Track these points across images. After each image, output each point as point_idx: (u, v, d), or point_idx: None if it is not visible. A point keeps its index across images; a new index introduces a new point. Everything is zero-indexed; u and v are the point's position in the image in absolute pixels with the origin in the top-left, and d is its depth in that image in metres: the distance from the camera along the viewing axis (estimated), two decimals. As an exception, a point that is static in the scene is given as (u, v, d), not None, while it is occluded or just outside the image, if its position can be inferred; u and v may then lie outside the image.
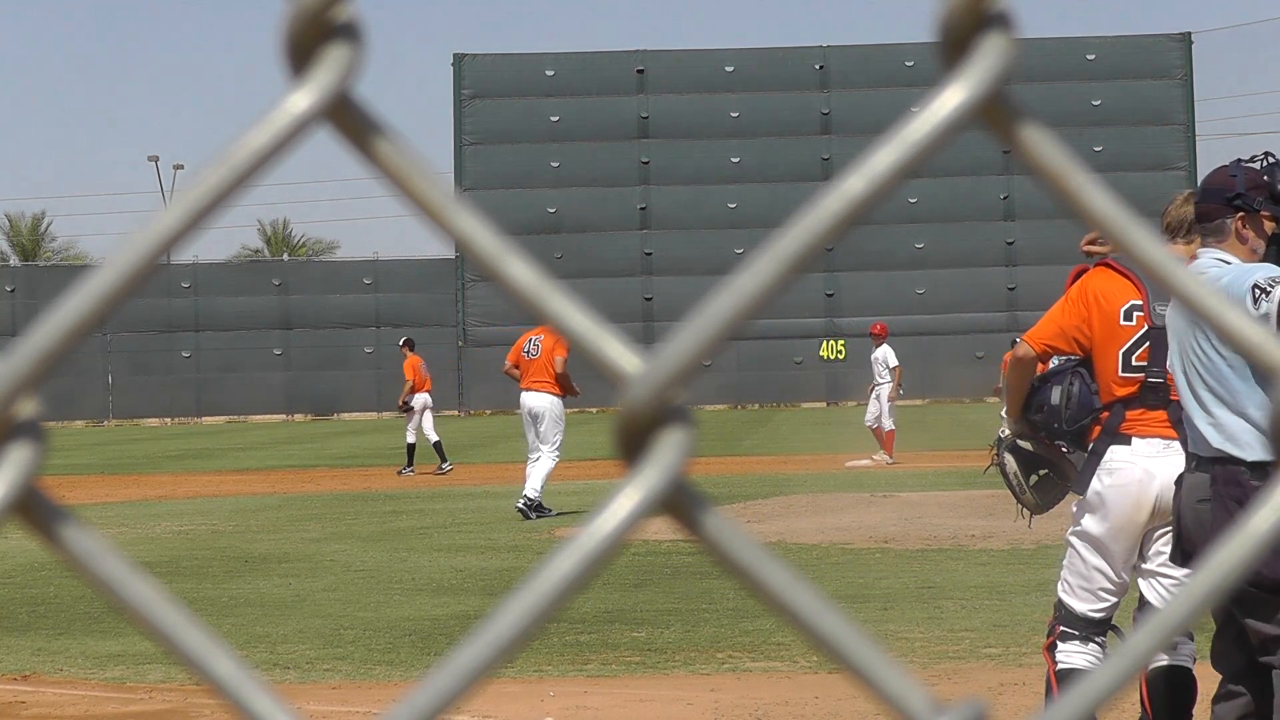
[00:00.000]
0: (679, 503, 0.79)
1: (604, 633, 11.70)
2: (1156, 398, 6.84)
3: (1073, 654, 7.02)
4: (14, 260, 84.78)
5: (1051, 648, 7.12)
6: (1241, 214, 6.15)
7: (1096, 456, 6.92)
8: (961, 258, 65.89)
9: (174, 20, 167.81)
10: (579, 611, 12.29)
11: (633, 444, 0.79)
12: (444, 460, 30.03)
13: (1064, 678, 6.98)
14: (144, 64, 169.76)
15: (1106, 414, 6.94)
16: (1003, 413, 7.42)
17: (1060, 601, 7.11)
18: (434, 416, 30.63)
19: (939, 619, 11.96)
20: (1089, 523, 6.95)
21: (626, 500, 0.79)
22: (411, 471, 30.01)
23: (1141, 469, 6.80)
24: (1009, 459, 7.30)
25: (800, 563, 15.03)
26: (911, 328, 62.35)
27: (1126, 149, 66.92)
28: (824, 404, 63.49)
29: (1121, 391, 6.91)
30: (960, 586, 13.44)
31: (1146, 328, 6.86)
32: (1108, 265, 7.04)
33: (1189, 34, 69.63)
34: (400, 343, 32.31)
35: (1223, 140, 72.81)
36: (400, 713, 0.77)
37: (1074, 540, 7.04)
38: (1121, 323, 6.93)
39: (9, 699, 10.13)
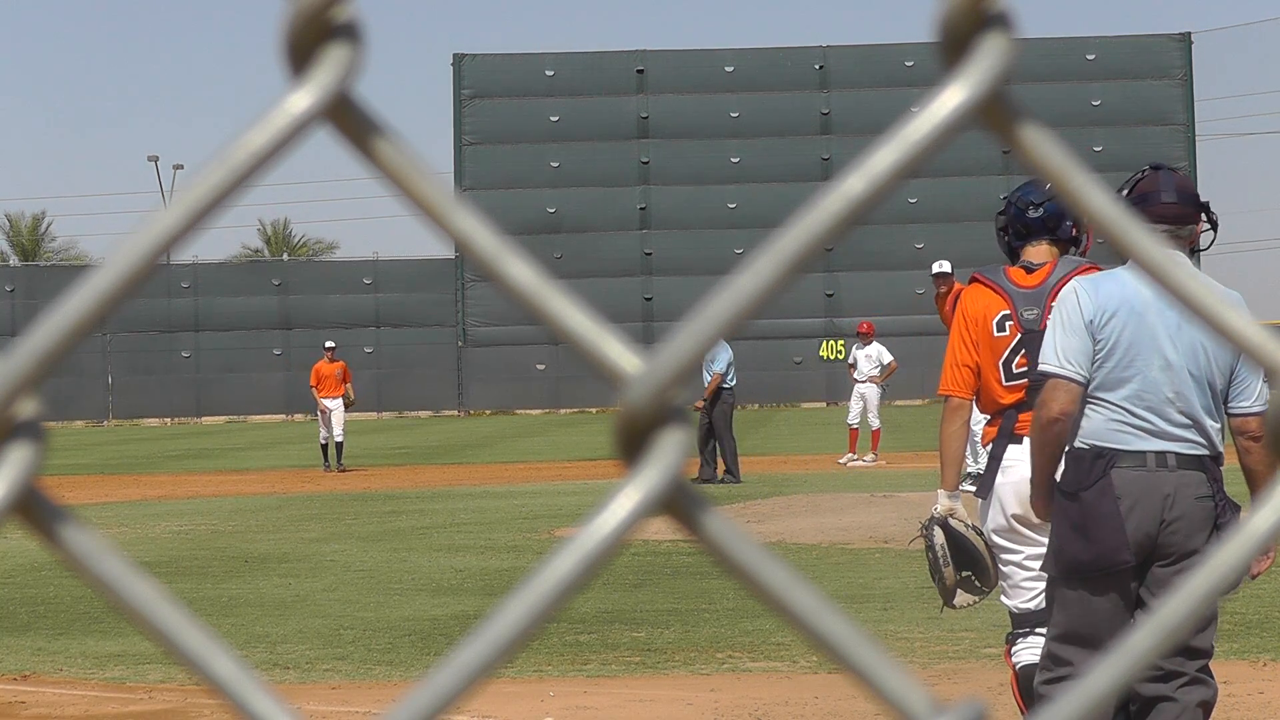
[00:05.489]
0: (679, 503, 0.79)
1: (604, 633, 11.70)
2: None
3: (1022, 651, 7.12)
4: (14, 260, 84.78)
5: (1009, 654, 7.22)
6: (1202, 222, 6.30)
7: (995, 460, 7.05)
8: (961, 258, 65.88)
9: (174, 20, 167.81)
10: (579, 611, 12.29)
11: (632, 444, 0.79)
12: (328, 462, 31.67)
13: (1021, 676, 7.07)
14: (144, 64, 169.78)
15: (1000, 419, 7.06)
16: (940, 490, 7.35)
17: (1005, 606, 7.24)
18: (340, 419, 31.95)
19: (939, 619, 11.95)
20: (992, 520, 7.10)
21: (626, 500, 0.79)
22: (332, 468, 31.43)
23: (1028, 467, 6.92)
24: (938, 533, 7.31)
25: (800, 563, 15.03)
26: (911, 328, 62.38)
27: (1126, 149, 66.86)
28: (824, 404, 63.47)
29: (1009, 399, 7.08)
30: (960, 586, 13.43)
31: (1020, 335, 7.05)
32: (976, 281, 7.27)
33: (1189, 34, 69.65)
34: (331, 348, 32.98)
35: (1223, 140, 72.87)
36: (400, 713, 0.77)
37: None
38: (996, 334, 7.16)
39: (9, 699, 10.13)
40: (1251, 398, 6.05)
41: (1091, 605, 6.10)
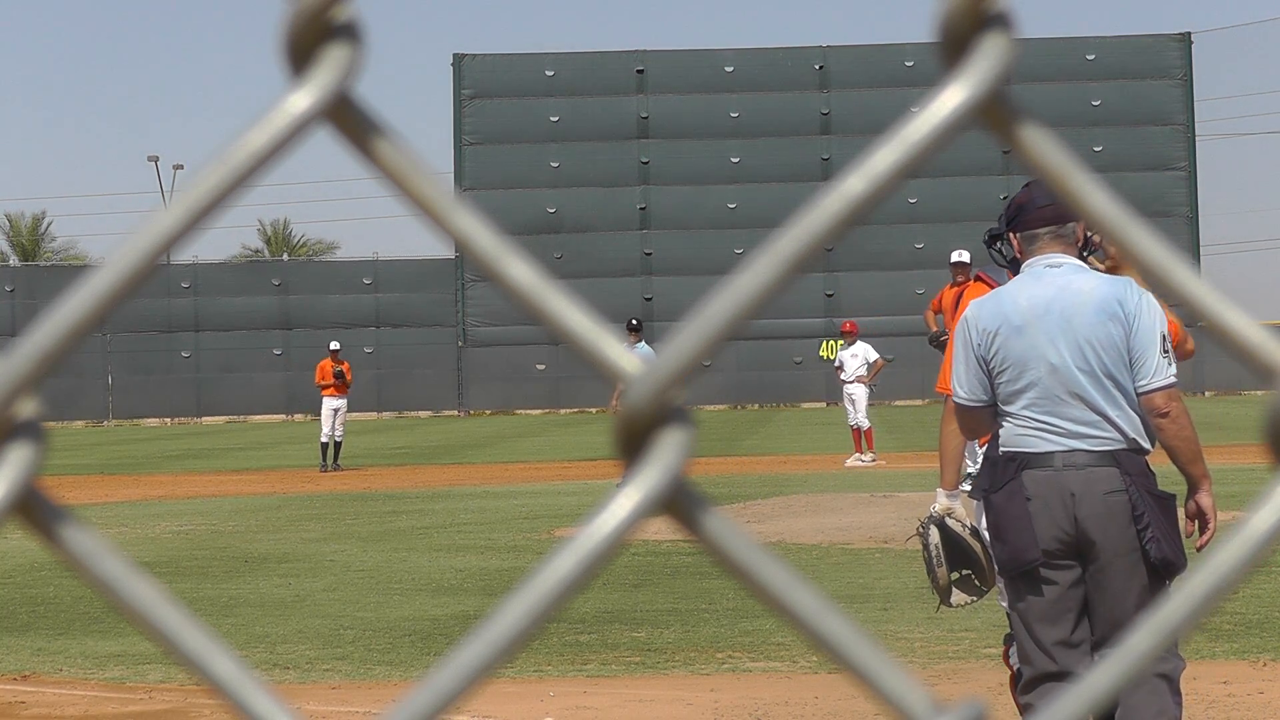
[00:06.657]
0: (679, 503, 0.79)
1: (604, 633, 11.70)
2: None
3: None
4: (14, 260, 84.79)
5: (1008, 655, 7.22)
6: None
7: (990, 462, 7.07)
8: (961, 258, 65.84)
9: (173, 20, 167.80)
10: (579, 611, 12.29)
11: (633, 444, 0.79)
12: (325, 462, 32.10)
13: (1019, 676, 7.09)
14: (144, 64, 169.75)
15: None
16: (939, 489, 7.35)
17: (1003, 607, 7.24)
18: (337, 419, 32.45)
19: (939, 619, 11.95)
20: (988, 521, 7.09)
21: (626, 500, 0.79)
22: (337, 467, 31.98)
23: None
24: (933, 532, 7.31)
25: (800, 563, 15.03)
26: (911, 328, 62.42)
27: (1126, 149, 66.95)
28: (824, 404, 63.45)
29: None
30: (960, 586, 13.42)
31: None
32: (979, 280, 7.29)
33: (1189, 34, 69.68)
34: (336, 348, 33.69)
35: (1223, 140, 72.88)
36: (400, 713, 0.77)
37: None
38: None
39: (9, 699, 10.13)
40: (1149, 375, 6.14)
41: (1025, 603, 6.31)
